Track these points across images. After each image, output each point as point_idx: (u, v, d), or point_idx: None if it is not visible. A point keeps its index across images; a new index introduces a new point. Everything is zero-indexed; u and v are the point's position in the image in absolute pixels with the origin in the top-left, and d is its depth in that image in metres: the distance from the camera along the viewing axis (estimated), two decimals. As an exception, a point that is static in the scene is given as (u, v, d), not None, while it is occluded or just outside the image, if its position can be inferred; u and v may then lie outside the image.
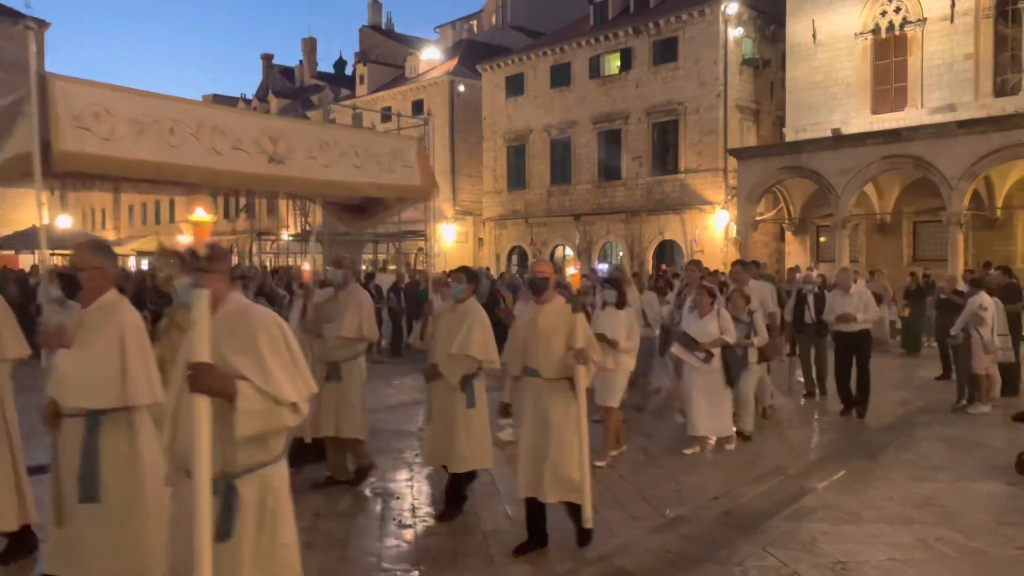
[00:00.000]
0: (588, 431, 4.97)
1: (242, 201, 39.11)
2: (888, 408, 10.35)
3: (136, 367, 3.62)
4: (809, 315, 10.51)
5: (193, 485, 2.60)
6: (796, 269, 16.15)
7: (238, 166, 4.74)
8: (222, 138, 4.63)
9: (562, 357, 4.80)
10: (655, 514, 5.87)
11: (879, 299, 17.20)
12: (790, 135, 26.31)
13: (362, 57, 47.77)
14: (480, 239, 36.50)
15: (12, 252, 29.13)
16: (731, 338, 7.53)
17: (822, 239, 26.69)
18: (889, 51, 24.76)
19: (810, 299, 10.57)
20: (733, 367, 7.64)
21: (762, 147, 26.75)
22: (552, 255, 33.32)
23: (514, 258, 34.24)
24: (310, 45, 56.04)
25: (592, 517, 5.03)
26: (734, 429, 7.90)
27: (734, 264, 9.52)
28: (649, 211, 29.96)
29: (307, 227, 25.00)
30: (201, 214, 2.84)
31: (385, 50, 49.10)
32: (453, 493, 5.77)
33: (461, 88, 37.18)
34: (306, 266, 7.03)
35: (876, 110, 24.83)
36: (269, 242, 30.00)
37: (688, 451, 7.52)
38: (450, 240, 36.99)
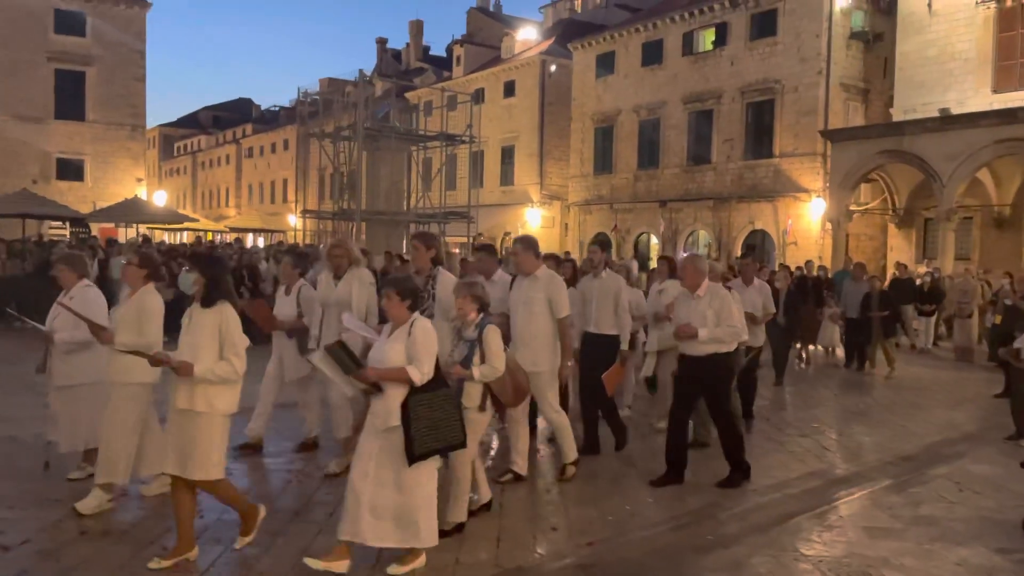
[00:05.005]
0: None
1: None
2: (922, 433, 8.60)
3: None
4: None
5: None
6: (862, 267, 13.93)
7: None
8: None
9: None
10: (488, 561, 4.68)
11: (965, 303, 14.89)
12: (898, 116, 23.58)
13: (468, 39, 47.28)
14: (566, 224, 35.26)
15: (112, 225, 30.37)
16: (419, 374, 4.15)
17: (939, 232, 23.72)
18: (1016, 21, 21.66)
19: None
20: (418, 426, 4.14)
21: (858, 128, 24.15)
22: (636, 243, 31.70)
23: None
24: (417, 28, 56.19)
25: None
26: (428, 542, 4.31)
27: (475, 249, 6.40)
28: (739, 198, 27.83)
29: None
30: None
31: (490, 32, 48.40)
32: None
33: (553, 68, 35.90)
34: None
35: (998, 88, 21.81)
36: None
37: (320, 564, 4.09)
38: (536, 225, 35.93)
